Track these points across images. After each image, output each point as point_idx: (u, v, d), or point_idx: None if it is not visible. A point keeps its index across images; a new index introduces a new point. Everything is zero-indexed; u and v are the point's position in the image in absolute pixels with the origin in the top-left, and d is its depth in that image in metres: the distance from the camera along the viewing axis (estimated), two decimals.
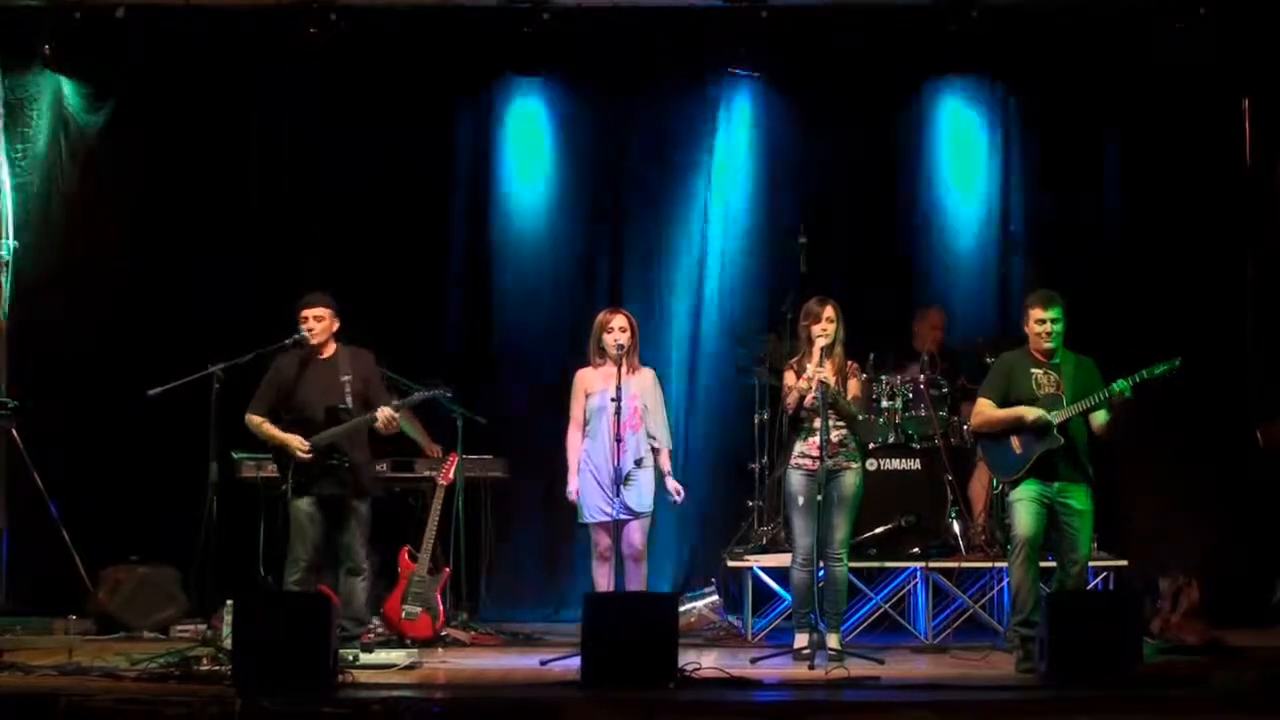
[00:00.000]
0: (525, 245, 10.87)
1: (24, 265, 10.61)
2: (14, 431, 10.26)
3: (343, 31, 10.30)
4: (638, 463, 8.70)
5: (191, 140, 10.72)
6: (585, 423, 8.83)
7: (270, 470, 9.08)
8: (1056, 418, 8.16)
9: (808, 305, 8.76)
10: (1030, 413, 8.21)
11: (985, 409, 8.39)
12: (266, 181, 10.77)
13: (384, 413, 8.46)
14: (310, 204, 10.71)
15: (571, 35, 10.44)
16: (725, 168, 10.82)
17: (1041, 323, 8.27)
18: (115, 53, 10.60)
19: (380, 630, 9.24)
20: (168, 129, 10.72)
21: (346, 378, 8.52)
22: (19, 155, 10.66)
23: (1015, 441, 8.29)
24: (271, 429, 8.51)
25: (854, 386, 8.74)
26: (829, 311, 8.64)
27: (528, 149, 10.91)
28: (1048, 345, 8.29)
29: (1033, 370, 8.32)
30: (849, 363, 8.77)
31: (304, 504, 8.46)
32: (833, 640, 8.52)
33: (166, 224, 10.74)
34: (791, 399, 8.66)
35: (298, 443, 8.43)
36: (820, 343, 8.58)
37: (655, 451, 8.79)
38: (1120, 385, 8.08)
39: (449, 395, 9.16)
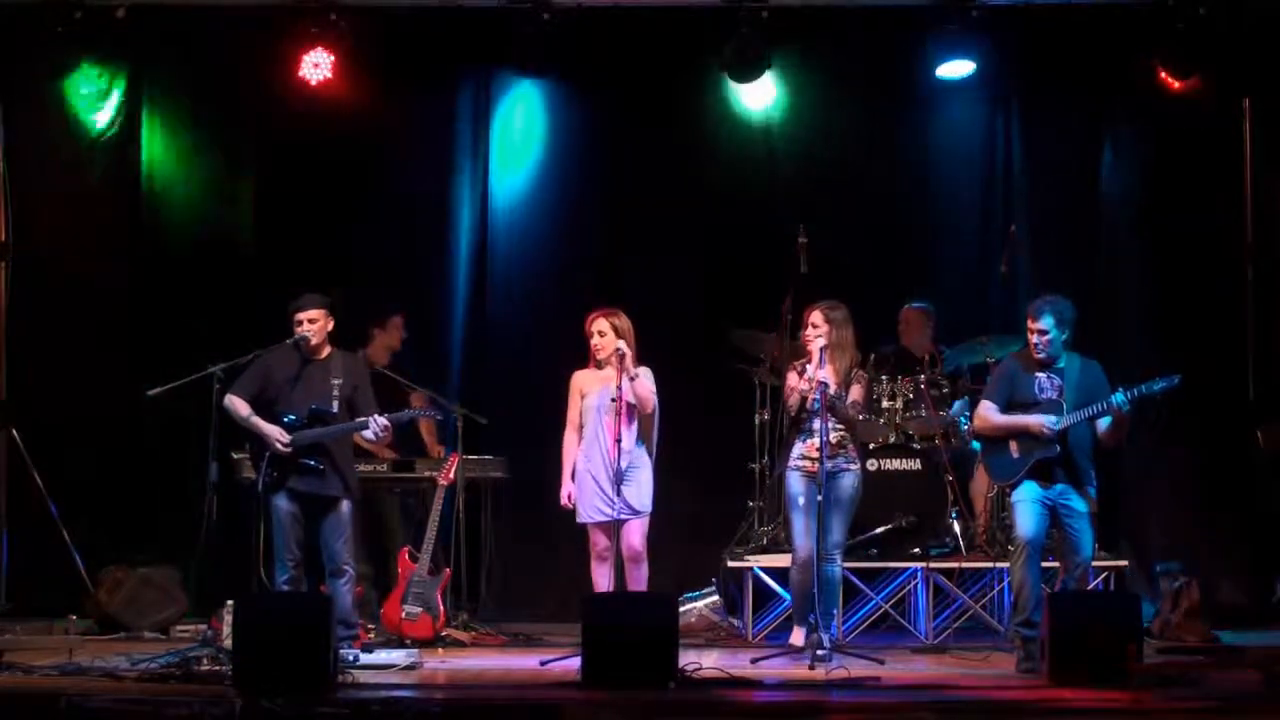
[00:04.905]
0: (528, 243, 10.87)
1: (24, 265, 10.60)
2: (14, 431, 10.26)
3: (343, 31, 10.32)
4: (632, 464, 8.69)
5: (193, 140, 10.73)
6: (581, 425, 8.82)
7: None
8: (1057, 425, 8.14)
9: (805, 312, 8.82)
10: (1032, 422, 8.20)
11: (988, 413, 8.37)
12: (266, 181, 10.79)
13: (378, 421, 8.42)
14: (310, 203, 10.72)
15: (573, 35, 10.45)
16: (728, 164, 10.81)
17: (1032, 333, 8.24)
18: (118, 52, 10.60)
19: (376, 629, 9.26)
20: (170, 128, 10.73)
21: (337, 381, 8.48)
22: (19, 154, 10.64)
23: (1013, 446, 8.28)
24: (257, 419, 8.46)
25: (855, 392, 8.76)
26: (813, 317, 8.73)
27: (530, 147, 10.90)
28: (1040, 355, 8.26)
29: (1036, 375, 8.30)
30: (857, 370, 8.79)
31: (283, 501, 8.43)
32: (824, 639, 8.50)
33: (167, 223, 10.76)
34: (793, 400, 8.71)
35: (277, 434, 8.40)
36: (819, 343, 8.61)
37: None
38: (1118, 399, 8.06)
39: (438, 417, 9.18)
